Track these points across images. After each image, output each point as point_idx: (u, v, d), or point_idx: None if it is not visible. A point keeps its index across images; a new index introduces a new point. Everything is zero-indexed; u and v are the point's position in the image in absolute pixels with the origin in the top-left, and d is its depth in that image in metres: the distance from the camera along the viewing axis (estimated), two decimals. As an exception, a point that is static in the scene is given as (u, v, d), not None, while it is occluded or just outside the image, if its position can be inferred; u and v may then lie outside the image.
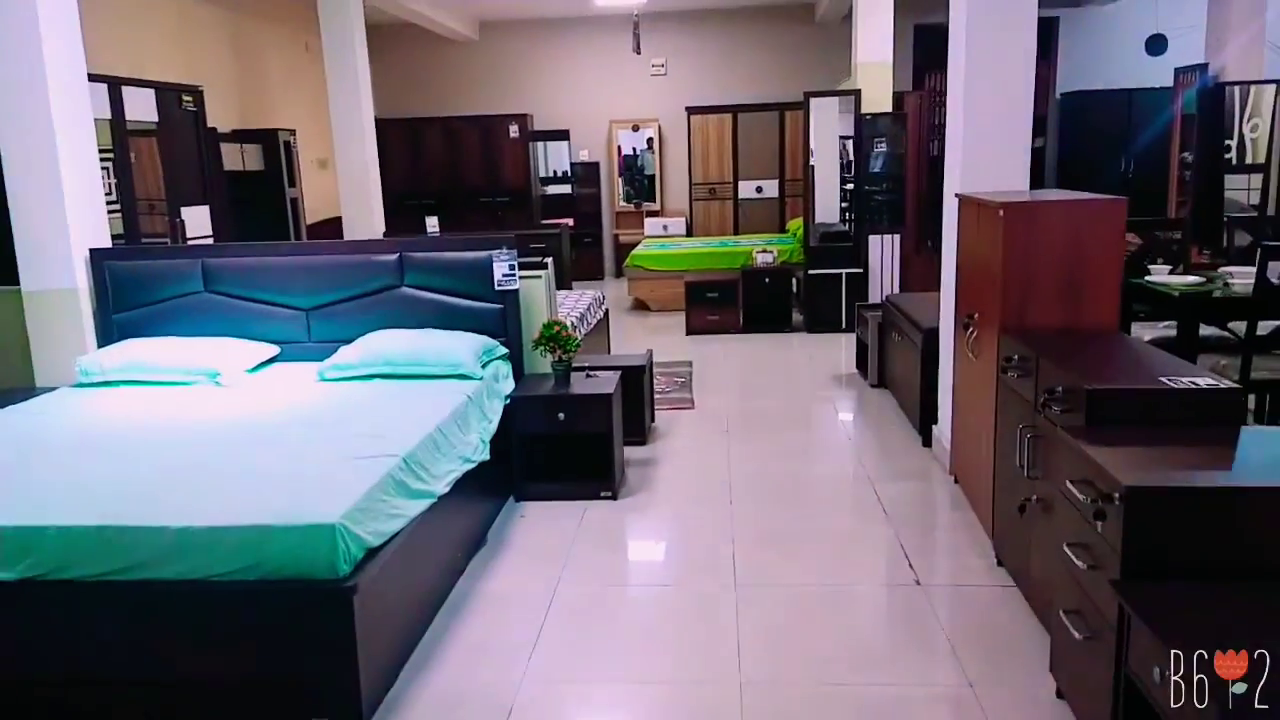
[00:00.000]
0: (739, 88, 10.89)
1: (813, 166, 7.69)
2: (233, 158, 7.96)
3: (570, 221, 10.53)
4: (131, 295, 4.37)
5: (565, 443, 4.10)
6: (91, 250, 4.31)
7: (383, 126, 9.10)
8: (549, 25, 10.99)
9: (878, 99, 7.34)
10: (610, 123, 11.19)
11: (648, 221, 10.95)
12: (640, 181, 11.29)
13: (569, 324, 4.92)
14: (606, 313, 6.35)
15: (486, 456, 3.48)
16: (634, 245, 9.71)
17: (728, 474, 4.29)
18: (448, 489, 3.04)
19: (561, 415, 3.90)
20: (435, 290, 4.23)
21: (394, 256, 4.25)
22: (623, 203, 11.35)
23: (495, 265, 4.17)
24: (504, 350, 4.17)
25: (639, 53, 8.39)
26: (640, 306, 8.92)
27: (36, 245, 4.24)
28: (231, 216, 7.35)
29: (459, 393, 3.62)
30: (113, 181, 5.56)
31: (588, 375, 4.22)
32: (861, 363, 5.90)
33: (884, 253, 7.33)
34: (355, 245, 4.92)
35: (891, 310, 5.27)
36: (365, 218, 7.78)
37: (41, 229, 4.20)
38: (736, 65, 10.92)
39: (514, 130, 10.77)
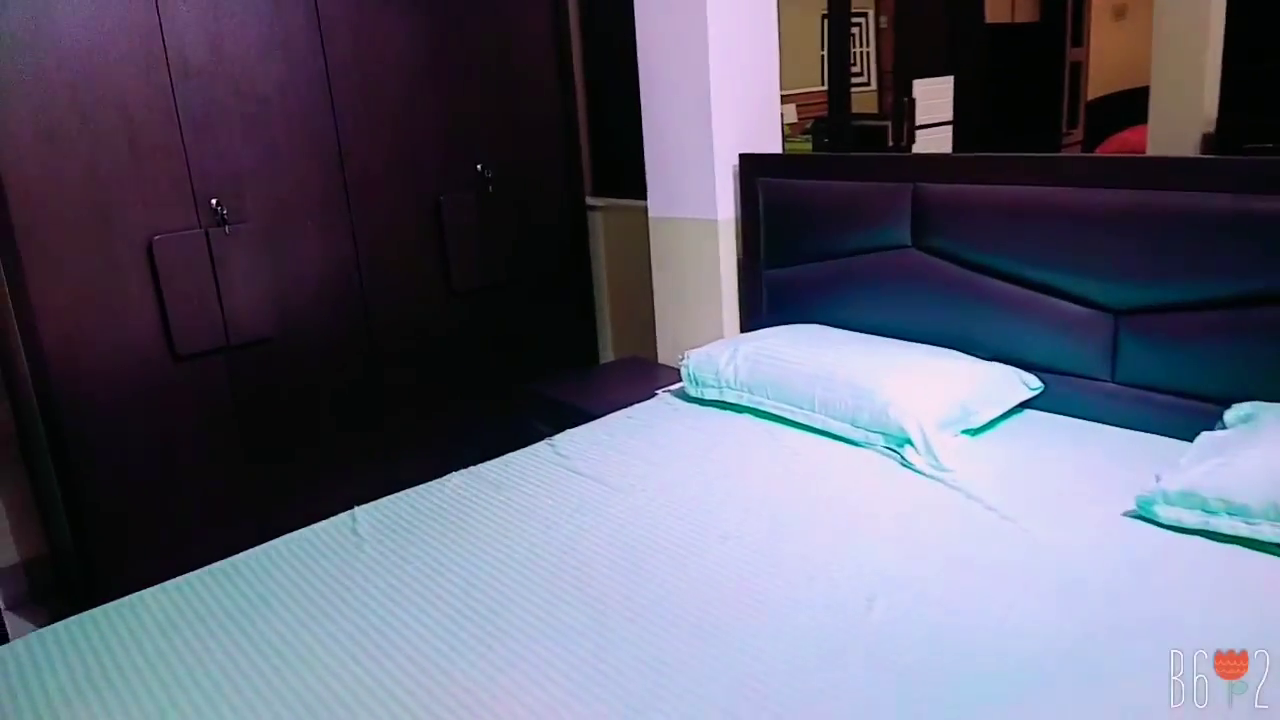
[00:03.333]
0: None
1: None
2: (998, 6, 5.65)
3: None
4: (793, 242, 2.50)
5: None
6: (742, 158, 2.53)
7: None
8: None
9: None
10: None
11: None
12: None
13: None
14: None
15: None
16: None
17: None
18: None
19: None
20: None
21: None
22: None
23: None
24: None
25: None
26: None
27: (666, 140, 2.62)
28: (988, 91, 5.12)
29: None
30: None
31: None
32: None
33: None
34: (1219, 167, 2.11)
35: None
36: (1189, 93, 4.48)
37: (672, 111, 2.56)
38: None
39: None
